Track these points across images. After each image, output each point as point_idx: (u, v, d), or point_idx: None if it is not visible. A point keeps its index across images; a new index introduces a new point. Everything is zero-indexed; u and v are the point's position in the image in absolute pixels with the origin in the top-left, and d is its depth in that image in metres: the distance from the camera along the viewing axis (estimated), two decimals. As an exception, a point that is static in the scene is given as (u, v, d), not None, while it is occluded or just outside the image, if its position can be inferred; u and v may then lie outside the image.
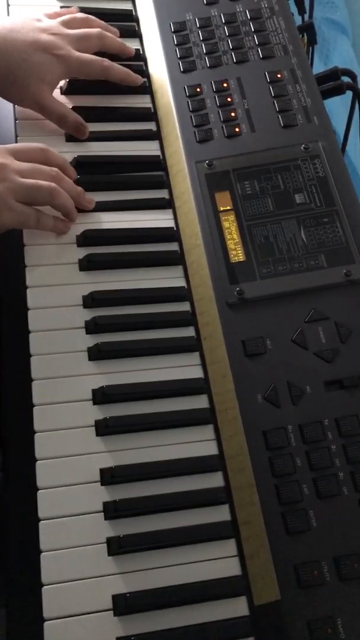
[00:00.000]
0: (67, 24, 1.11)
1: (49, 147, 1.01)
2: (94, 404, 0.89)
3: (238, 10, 1.18)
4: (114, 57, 1.14)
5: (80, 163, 1.05)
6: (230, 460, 0.86)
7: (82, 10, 1.19)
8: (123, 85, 1.14)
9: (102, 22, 1.16)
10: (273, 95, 1.09)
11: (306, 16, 1.32)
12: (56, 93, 1.11)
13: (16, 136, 1.07)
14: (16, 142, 1.07)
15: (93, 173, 1.05)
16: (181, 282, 0.99)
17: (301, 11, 1.32)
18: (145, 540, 0.82)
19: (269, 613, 0.78)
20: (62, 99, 1.12)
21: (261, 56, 1.13)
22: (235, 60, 1.13)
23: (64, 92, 1.12)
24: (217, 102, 1.09)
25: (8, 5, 1.19)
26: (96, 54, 1.12)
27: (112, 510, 0.83)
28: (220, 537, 0.83)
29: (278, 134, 1.06)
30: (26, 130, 1.08)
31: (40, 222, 0.97)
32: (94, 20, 1.15)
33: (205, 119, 1.07)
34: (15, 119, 1.09)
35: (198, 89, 1.10)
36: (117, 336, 0.93)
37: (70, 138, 1.08)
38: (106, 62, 1.11)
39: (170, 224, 1.04)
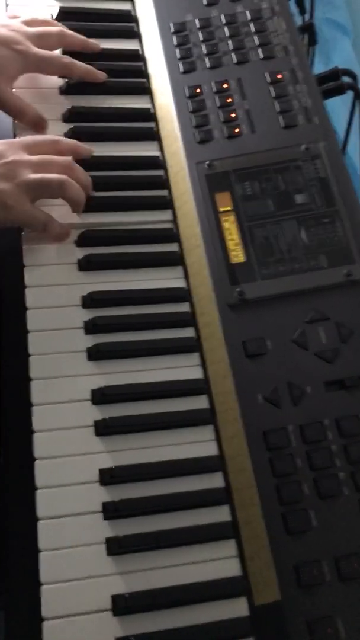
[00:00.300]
0: (27, 23, 1.12)
1: (60, 137, 1.02)
2: (93, 404, 0.89)
3: (238, 10, 1.18)
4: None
5: (80, 163, 1.04)
6: (230, 461, 0.86)
7: (82, 10, 1.20)
8: (121, 85, 1.15)
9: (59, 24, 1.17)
10: (273, 95, 1.09)
11: (307, 16, 1.32)
12: (56, 93, 1.11)
13: (15, 136, 1.07)
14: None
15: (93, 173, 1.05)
16: (181, 283, 0.99)
17: (302, 11, 1.32)
18: (145, 540, 0.81)
19: (269, 613, 0.78)
20: (62, 99, 1.12)
21: (262, 57, 1.13)
22: (235, 61, 1.13)
23: (63, 92, 1.12)
24: (218, 103, 1.09)
25: (7, 5, 1.19)
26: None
27: (111, 510, 0.82)
28: (221, 537, 0.83)
29: (278, 135, 1.06)
30: (25, 131, 1.08)
31: (48, 229, 0.97)
32: (54, 22, 1.16)
33: (205, 120, 1.07)
34: (15, 120, 1.09)
35: (198, 90, 1.10)
36: (117, 336, 0.93)
37: (70, 138, 1.07)
38: (66, 58, 1.11)
39: (170, 224, 1.04)
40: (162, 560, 0.81)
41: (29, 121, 1.07)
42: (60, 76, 1.13)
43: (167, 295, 0.98)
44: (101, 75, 1.14)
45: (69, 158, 0.99)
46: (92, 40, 1.16)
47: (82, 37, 1.16)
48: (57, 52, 1.14)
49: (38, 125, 1.08)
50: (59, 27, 1.14)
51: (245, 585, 0.80)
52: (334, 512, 0.83)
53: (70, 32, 1.15)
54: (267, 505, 0.83)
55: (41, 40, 1.10)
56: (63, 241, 0.99)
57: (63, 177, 0.97)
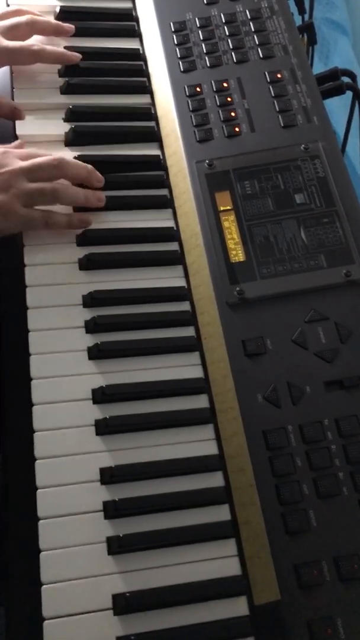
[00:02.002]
0: None
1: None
2: (94, 403, 0.89)
3: (238, 10, 1.18)
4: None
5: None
6: (230, 460, 0.86)
7: (83, 9, 1.20)
8: (121, 84, 1.15)
9: (34, 11, 1.17)
10: (273, 95, 1.09)
11: (306, 16, 1.33)
12: (56, 92, 1.11)
13: (15, 137, 1.07)
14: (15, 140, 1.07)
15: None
16: (181, 282, 0.99)
17: (301, 11, 1.32)
18: (145, 539, 0.82)
19: (269, 613, 0.78)
20: (62, 98, 1.12)
21: (261, 56, 1.13)
22: (235, 60, 1.13)
23: (63, 91, 1.12)
24: (217, 102, 1.09)
25: (7, 5, 1.19)
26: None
27: (112, 510, 0.83)
28: (221, 536, 0.83)
29: (278, 134, 1.06)
30: (25, 128, 1.08)
31: (50, 223, 0.98)
32: (26, 10, 1.16)
33: (205, 119, 1.08)
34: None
35: (198, 89, 1.10)
36: (117, 336, 0.93)
37: (71, 138, 1.08)
38: (35, 46, 1.11)
39: (170, 223, 1.04)
40: (163, 560, 0.81)
41: (5, 113, 1.08)
42: (34, 63, 1.13)
43: (167, 294, 0.98)
44: (75, 57, 1.14)
45: (60, 157, 0.99)
46: (65, 25, 1.17)
47: (53, 21, 1.17)
48: (34, 40, 1.15)
49: (14, 114, 1.08)
50: (28, 16, 1.14)
51: (245, 585, 0.80)
52: (334, 512, 0.83)
53: (41, 18, 1.15)
54: (266, 505, 0.83)
55: (12, 31, 1.11)
56: (87, 224, 1.01)
57: (56, 185, 0.98)
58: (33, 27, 1.14)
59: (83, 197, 1.00)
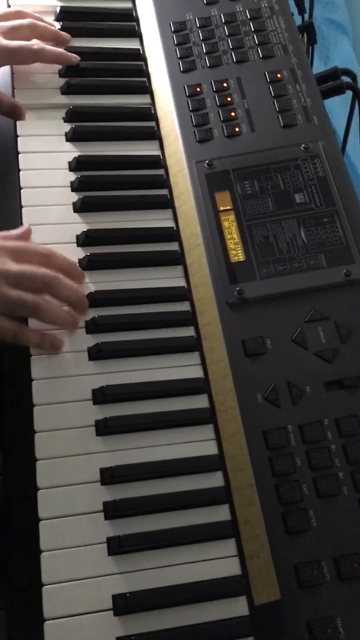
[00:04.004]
0: (0, 18, 1.13)
1: (55, 252, 0.95)
2: (94, 403, 0.89)
3: (238, 10, 1.18)
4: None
5: (81, 163, 1.05)
6: (230, 460, 0.87)
7: (83, 9, 1.20)
8: (121, 84, 1.15)
9: (34, 14, 1.17)
10: (273, 95, 1.09)
11: (306, 16, 1.33)
12: (56, 92, 1.12)
13: (16, 136, 1.07)
14: (16, 141, 1.07)
15: (93, 173, 1.05)
16: (181, 282, 0.99)
17: (301, 11, 1.32)
18: (146, 540, 0.82)
19: (269, 613, 0.79)
20: (62, 99, 1.12)
21: (261, 56, 1.13)
22: (235, 60, 1.13)
23: (63, 91, 1.12)
24: (217, 102, 1.09)
25: (8, 6, 1.19)
26: None
27: (112, 510, 0.83)
28: (220, 537, 0.83)
29: (278, 134, 1.06)
30: (26, 129, 1.08)
31: (19, 338, 0.91)
32: (27, 13, 1.16)
33: (205, 119, 1.08)
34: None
35: (198, 89, 1.11)
36: (117, 336, 0.93)
37: (71, 138, 1.08)
38: (35, 45, 1.12)
39: (170, 223, 1.04)
40: (163, 560, 0.81)
41: (5, 110, 1.08)
42: (34, 62, 1.14)
43: (167, 294, 0.98)
44: (74, 58, 1.15)
45: (54, 274, 0.92)
46: (64, 33, 1.17)
47: (53, 28, 1.17)
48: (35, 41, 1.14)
49: (15, 112, 1.09)
50: (29, 19, 1.14)
51: (245, 585, 0.81)
52: (334, 511, 0.83)
53: (42, 23, 1.16)
54: (266, 505, 0.83)
55: (13, 32, 1.11)
56: (49, 351, 0.92)
57: (38, 300, 0.90)
58: (34, 31, 1.14)
59: (63, 319, 0.93)
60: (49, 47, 1.13)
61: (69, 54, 1.14)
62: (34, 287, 0.90)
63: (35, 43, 1.12)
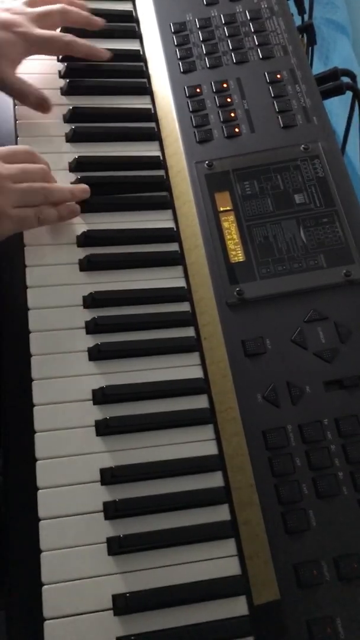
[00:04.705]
0: (30, 4, 1.12)
1: (34, 150, 1.01)
2: (94, 404, 0.89)
3: (238, 10, 1.18)
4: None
5: (81, 163, 1.05)
6: (230, 460, 0.87)
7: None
8: (122, 85, 1.15)
9: None
10: (273, 95, 1.09)
11: (306, 16, 1.32)
12: (56, 93, 1.12)
13: (16, 137, 1.07)
14: (16, 142, 1.07)
15: (93, 173, 1.05)
16: (181, 283, 0.99)
17: (301, 11, 1.32)
18: (145, 540, 0.82)
19: (269, 613, 0.79)
20: (62, 99, 1.12)
21: (261, 57, 1.13)
22: (235, 61, 1.13)
23: (64, 92, 1.12)
24: (217, 103, 1.09)
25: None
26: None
27: (112, 510, 0.83)
28: (220, 536, 0.83)
29: (278, 135, 1.06)
30: (26, 131, 1.08)
31: (42, 219, 0.97)
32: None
33: (205, 120, 1.08)
34: (16, 120, 1.09)
35: (198, 90, 1.11)
36: (117, 336, 0.94)
37: (71, 138, 1.08)
38: (68, 37, 1.11)
39: (170, 224, 1.04)
40: (163, 560, 0.81)
41: (32, 103, 1.08)
42: (64, 55, 1.13)
43: (167, 294, 0.98)
44: (104, 54, 1.14)
45: (44, 167, 0.99)
46: (97, 18, 1.17)
47: (85, 13, 1.16)
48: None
49: (42, 106, 1.08)
50: (61, 5, 1.13)
51: (245, 585, 0.81)
52: (334, 511, 0.83)
53: (73, 8, 1.14)
54: (266, 505, 0.83)
55: (43, 19, 1.10)
56: (75, 215, 1.01)
57: (45, 184, 0.98)
58: (65, 17, 1.13)
59: (69, 193, 1.01)
60: (80, 40, 1.12)
61: (99, 49, 1.14)
62: (34, 180, 0.96)
63: (67, 35, 1.11)
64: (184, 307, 0.97)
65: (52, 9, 1.12)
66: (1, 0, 1.14)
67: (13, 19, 1.07)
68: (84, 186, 1.02)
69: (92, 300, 0.95)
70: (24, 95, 1.07)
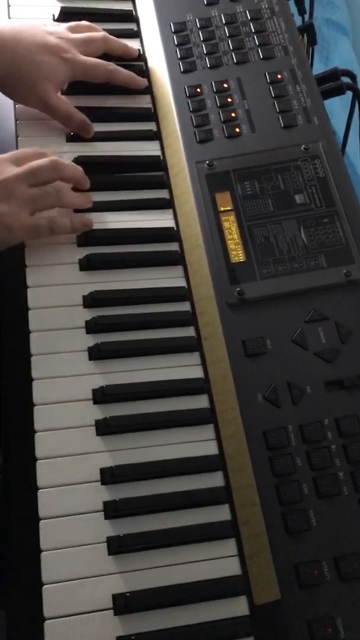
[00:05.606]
0: (72, 29, 1.13)
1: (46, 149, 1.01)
2: (94, 403, 0.89)
3: (238, 10, 1.18)
4: (111, 57, 1.16)
5: (81, 163, 1.04)
6: (230, 460, 0.87)
7: (83, 10, 1.21)
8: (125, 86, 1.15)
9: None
10: (273, 95, 1.09)
11: (306, 17, 1.32)
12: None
13: (17, 136, 1.07)
14: (16, 142, 1.07)
15: (94, 173, 1.05)
16: (181, 282, 0.99)
17: (301, 12, 1.32)
18: (146, 539, 0.82)
19: (269, 613, 0.79)
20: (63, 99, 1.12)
21: (261, 57, 1.13)
22: (235, 61, 1.13)
23: (64, 92, 1.12)
24: (218, 103, 1.09)
25: (9, 5, 1.19)
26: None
27: (112, 510, 0.83)
28: (221, 536, 0.83)
29: (278, 135, 1.06)
30: (26, 131, 1.08)
31: (54, 229, 0.97)
32: (97, 27, 1.16)
33: (205, 120, 1.08)
34: (16, 120, 1.09)
35: (198, 90, 1.11)
36: (117, 336, 0.93)
37: (71, 138, 1.08)
38: (111, 65, 1.12)
39: (171, 224, 1.04)
40: (163, 560, 0.81)
41: (75, 126, 1.08)
42: (106, 81, 1.14)
43: (168, 294, 0.98)
44: (142, 82, 1.16)
45: (54, 158, 0.99)
46: (133, 48, 1.18)
47: (124, 43, 1.17)
48: None
49: (84, 129, 1.08)
50: (102, 33, 1.15)
51: (245, 585, 0.81)
52: (334, 511, 0.83)
53: (113, 37, 1.16)
54: (266, 505, 0.83)
55: (86, 46, 1.12)
56: (82, 230, 1.01)
57: (57, 187, 0.99)
58: (106, 44, 1.15)
59: (77, 199, 1.02)
60: (122, 70, 1.14)
61: (138, 78, 1.15)
62: (45, 180, 0.97)
63: (110, 63, 1.13)
64: (184, 306, 0.97)
65: (95, 37, 1.14)
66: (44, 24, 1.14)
67: (60, 45, 1.08)
68: (89, 196, 1.03)
69: (92, 300, 0.95)
70: (69, 118, 1.08)
